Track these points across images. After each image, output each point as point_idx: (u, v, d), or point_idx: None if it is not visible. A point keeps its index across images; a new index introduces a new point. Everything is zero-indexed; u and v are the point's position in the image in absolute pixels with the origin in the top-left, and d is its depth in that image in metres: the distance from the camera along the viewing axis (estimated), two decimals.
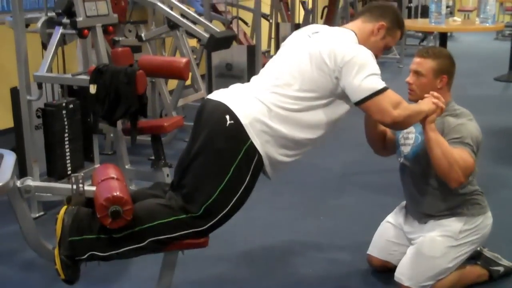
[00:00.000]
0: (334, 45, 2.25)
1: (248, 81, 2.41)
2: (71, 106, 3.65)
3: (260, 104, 2.23)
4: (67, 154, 3.72)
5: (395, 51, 9.65)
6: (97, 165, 4.06)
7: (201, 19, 4.69)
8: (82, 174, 2.30)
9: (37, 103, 3.63)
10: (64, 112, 3.64)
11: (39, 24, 3.51)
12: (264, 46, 7.91)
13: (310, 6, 7.98)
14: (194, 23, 4.60)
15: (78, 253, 2.13)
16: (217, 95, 2.31)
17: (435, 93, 2.45)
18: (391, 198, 3.07)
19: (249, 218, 3.60)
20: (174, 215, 2.19)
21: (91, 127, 3.83)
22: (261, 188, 3.88)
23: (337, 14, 7.51)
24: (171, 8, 4.59)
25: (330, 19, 7.24)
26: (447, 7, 11.59)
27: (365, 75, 2.18)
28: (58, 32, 3.46)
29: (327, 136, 2.36)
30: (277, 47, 7.72)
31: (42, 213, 3.61)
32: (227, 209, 2.21)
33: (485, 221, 2.65)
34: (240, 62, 5.55)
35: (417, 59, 2.61)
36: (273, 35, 7.83)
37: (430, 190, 2.61)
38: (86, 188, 2.30)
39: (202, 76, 6.06)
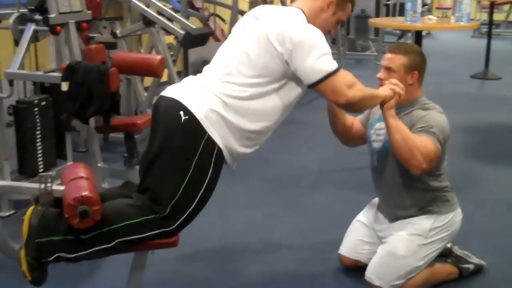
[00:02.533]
0: (281, 26, 2.18)
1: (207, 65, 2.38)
2: (43, 103, 3.61)
3: (213, 96, 2.19)
4: (39, 152, 3.67)
5: (372, 48, 9.69)
6: (69, 163, 4.03)
7: (177, 16, 4.66)
8: (50, 173, 2.28)
9: (9, 100, 3.59)
10: (36, 109, 3.59)
11: (11, 20, 3.46)
12: None
13: (288, 2, 7.95)
14: (171, 20, 4.57)
15: (45, 254, 2.10)
16: (170, 91, 2.28)
17: (393, 80, 2.46)
18: (365, 196, 3.08)
19: (222, 216, 3.60)
20: (143, 215, 2.17)
21: (64, 125, 3.79)
22: (235, 185, 3.91)
23: None
24: (147, 5, 4.55)
25: None
26: (425, 4, 11.72)
27: (316, 56, 2.14)
28: (30, 28, 3.42)
29: (281, 120, 2.33)
30: None
31: (12, 211, 3.57)
32: (193, 205, 2.19)
33: (455, 218, 2.66)
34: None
35: (388, 55, 2.62)
36: None
37: (401, 188, 2.62)
38: (54, 187, 2.29)
39: (179, 73, 6.04)
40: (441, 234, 2.62)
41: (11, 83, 3.40)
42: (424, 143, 2.41)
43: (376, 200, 2.86)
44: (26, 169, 3.65)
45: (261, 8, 2.38)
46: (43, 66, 4.14)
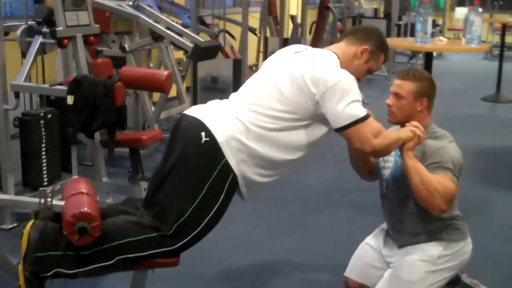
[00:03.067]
0: (316, 68, 2.20)
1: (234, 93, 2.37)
2: (49, 116, 3.59)
3: (237, 121, 2.17)
4: (44, 164, 3.65)
5: (383, 68, 9.65)
6: (75, 176, 4.00)
7: (186, 30, 4.65)
8: (50, 188, 2.24)
9: (15, 112, 3.57)
10: (41, 122, 3.58)
11: (18, 32, 3.45)
12: (251, 60, 7.89)
13: (299, 20, 7.96)
14: (180, 35, 4.55)
15: (43, 269, 2.06)
16: (194, 111, 2.26)
17: (415, 122, 2.42)
18: (372, 218, 3.03)
19: (226, 235, 3.54)
20: (144, 233, 2.13)
21: (69, 138, 3.77)
22: (240, 204, 3.83)
23: (325, 30, 7.50)
24: (156, 21, 4.54)
25: (318, 35, 7.22)
26: (437, 25, 11.70)
27: (347, 101, 2.14)
28: (37, 41, 3.41)
29: (304, 157, 2.31)
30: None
31: (15, 224, 3.53)
32: (199, 228, 2.15)
33: (465, 247, 2.59)
34: (225, 75, 5.50)
35: (397, 81, 2.57)
36: (261, 49, 7.80)
37: (410, 215, 2.56)
38: (54, 202, 2.26)
39: (188, 89, 6.02)
40: (450, 263, 2.54)
41: (17, 95, 3.39)
42: (443, 184, 2.36)
43: (385, 224, 2.79)
44: (30, 182, 3.63)
45: (297, 47, 2.39)
46: (51, 79, 4.12)
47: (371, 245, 2.77)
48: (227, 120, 2.18)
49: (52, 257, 2.06)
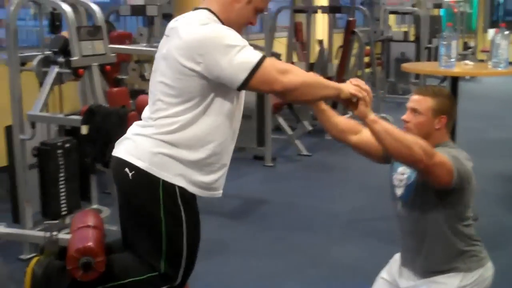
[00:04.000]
0: (183, 42, 1.95)
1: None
2: (67, 145, 3.56)
3: (146, 139, 2.03)
4: (62, 194, 3.61)
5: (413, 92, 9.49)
6: (94, 206, 3.97)
7: None
8: (55, 222, 2.20)
9: (33, 142, 3.55)
10: (59, 151, 3.55)
11: (34, 62, 3.44)
12: None
13: (326, 45, 7.89)
14: None
15: None
16: (115, 150, 2.15)
17: (355, 79, 2.20)
18: (398, 249, 2.89)
19: (244, 266, 3.47)
20: (148, 271, 2.06)
21: (88, 167, 3.73)
22: (260, 233, 3.79)
23: (351, 54, 7.40)
24: None
25: (344, 59, 7.14)
26: (469, 47, 11.51)
27: (231, 55, 1.90)
28: (53, 71, 3.39)
29: (237, 127, 2.13)
30: None
31: (33, 254, 3.49)
32: (184, 252, 2.07)
33: (485, 274, 2.45)
34: (249, 101, 5.41)
35: (415, 97, 2.45)
36: None
37: (425, 240, 2.43)
38: (60, 236, 2.21)
39: None
40: None
41: (33, 125, 3.37)
42: (422, 140, 2.20)
43: (398, 255, 2.66)
44: (48, 211, 3.58)
45: (171, 23, 2.09)
46: (73, 108, 4.11)
47: (386, 279, 2.65)
48: (139, 143, 2.05)
49: None
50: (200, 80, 1.96)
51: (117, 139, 3.10)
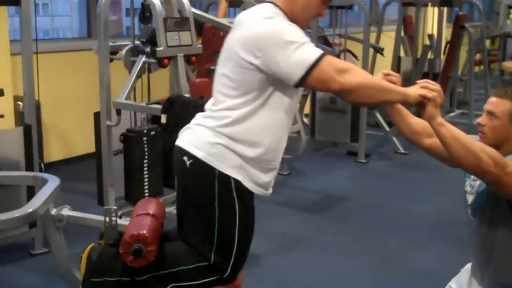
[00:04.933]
0: (244, 36, 1.95)
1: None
2: (152, 133, 3.68)
3: (206, 129, 2.04)
4: (145, 180, 3.75)
5: None
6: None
7: None
8: (114, 207, 2.27)
9: (121, 128, 3.69)
10: (144, 138, 3.68)
11: (123, 51, 3.57)
12: None
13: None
14: None
15: None
16: (178, 137, 2.18)
17: (423, 80, 2.09)
18: None
19: (315, 262, 3.44)
20: (198, 261, 2.08)
21: None
22: (338, 230, 3.74)
23: (459, 50, 7.07)
24: None
25: (452, 55, 6.82)
26: None
27: (290, 52, 1.88)
28: (140, 60, 3.50)
29: (290, 125, 2.10)
30: None
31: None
32: (235, 245, 2.06)
33: None
34: None
35: (493, 99, 2.30)
36: (393, 69, 7.54)
37: (495, 250, 2.29)
38: (119, 222, 2.28)
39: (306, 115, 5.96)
40: None
41: (118, 112, 3.50)
42: (492, 148, 2.06)
43: (469, 265, 2.53)
44: (131, 196, 3.72)
45: (240, 15, 2.10)
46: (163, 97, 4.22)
47: None
48: (198, 133, 2.06)
49: (107, 283, 2.08)
50: (259, 74, 1.95)
51: None
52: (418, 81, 2.10)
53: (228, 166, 2.02)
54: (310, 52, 1.90)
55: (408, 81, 6.87)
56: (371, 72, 7.47)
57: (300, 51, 1.89)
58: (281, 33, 1.92)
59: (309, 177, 5.11)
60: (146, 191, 3.78)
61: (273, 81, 1.97)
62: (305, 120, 6.06)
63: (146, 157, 3.71)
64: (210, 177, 2.02)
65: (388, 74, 2.07)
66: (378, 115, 6.14)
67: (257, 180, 2.06)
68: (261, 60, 1.92)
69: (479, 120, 2.29)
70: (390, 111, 2.34)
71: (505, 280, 2.30)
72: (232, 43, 2.01)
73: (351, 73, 1.91)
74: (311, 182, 4.95)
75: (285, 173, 5.08)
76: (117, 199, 3.74)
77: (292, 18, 2.01)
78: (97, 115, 3.67)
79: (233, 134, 2.01)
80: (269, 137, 2.04)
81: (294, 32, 1.93)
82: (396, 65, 7.46)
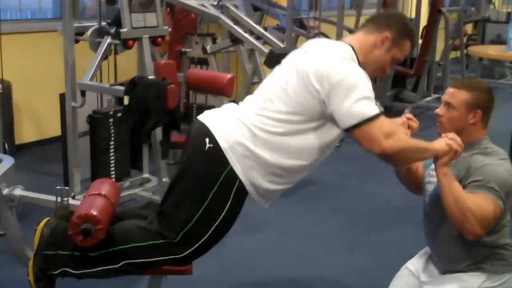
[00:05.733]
0: (322, 63, 2.02)
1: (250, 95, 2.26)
2: (119, 114, 3.69)
3: (243, 126, 2.07)
4: (112, 161, 3.76)
5: (509, 76, 9.01)
6: (145, 175, 4.09)
7: (266, 34, 4.56)
8: (66, 187, 2.28)
9: (88, 110, 3.69)
10: (111, 120, 3.69)
11: (88, 32, 3.56)
12: None
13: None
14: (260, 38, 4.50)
15: (51, 267, 2.10)
16: (205, 116, 2.18)
17: (452, 134, 2.19)
18: None
19: (279, 245, 3.46)
20: (151, 239, 2.10)
21: (140, 137, 3.84)
22: (306, 213, 3.76)
23: (436, 35, 7.08)
24: (237, 23, 4.51)
25: (428, 40, 6.84)
26: None
27: (354, 99, 1.96)
28: (105, 41, 3.50)
29: (320, 160, 2.15)
30: None
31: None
32: (205, 237, 2.08)
33: None
34: None
35: (450, 90, 2.34)
36: None
37: (452, 237, 2.33)
38: (70, 201, 2.29)
39: None
40: None
41: (83, 93, 3.50)
42: (480, 206, 2.13)
43: (427, 248, 2.57)
44: (98, 178, 3.72)
45: (312, 42, 2.24)
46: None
47: (409, 269, 2.57)
48: (232, 125, 2.09)
49: (60, 257, 2.09)
50: (318, 102, 2.02)
51: (155, 110, 3.20)
52: (447, 134, 2.20)
53: (242, 168, 2.06)
54: (370, 108, 1.98)
55: None
56: None
57: (363, 103, 1.97)
58: (355, 79, 2.01)
59: None
60: (113, 172, 3.80)
61: (328, 116, 2.03)
62: None
63: (112, 138, 3.73)
64: (220, 168, 2.05)
65: (410, 119, 2.25)
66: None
67: (258, 187, 2.09)
68: (327, 93, 1.99)
69: (437, 110, 2.34)
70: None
71: (458, 267, 2.34)
72: (305, 67, 2.05)
73: (395, 139, 2.01)
74: None
75: None
76: (84, 180, 3.74)
77: (362, 67, 2.09)
78: (62, 97, 3.67)
79: (266, 140, 2.06)
80: (296, 161, 2.09)
81: (366, 84, 2.03)
82: None
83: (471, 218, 2.10)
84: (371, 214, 3.99)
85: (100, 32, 3.59)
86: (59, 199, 2.24)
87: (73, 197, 3.43)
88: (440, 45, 7.65)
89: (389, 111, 6.30)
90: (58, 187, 2.25)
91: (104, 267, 2.10)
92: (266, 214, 3.88)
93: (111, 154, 3.74)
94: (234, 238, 3.45)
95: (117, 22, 3.47)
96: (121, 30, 3.35)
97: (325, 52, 2.10)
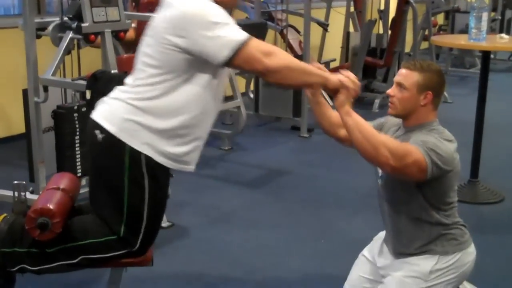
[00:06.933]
0: (169, 13, 1.97)
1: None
2: (83, 109, 3.67)
3: (122, 103, 2.06)
4: (77, 156, 3.75)
5: (478, 66, 9.10)
6: None
7: None
8: (23, 182, 2.27)
9: (52, 105, 3.67)
10: (75, 115, 3.67)
11: (50, 28, 3.54)
12: (333, 55, 7.71)
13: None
14: None
15: (9, 264, 2.10)
16: (94, 110, 2.18)
17: (347, 71, 2.20)
18: None
19: (244, 235, 3.49)
20: (106, 234, 2.11)
21: None
22: (272, 203, 3.79)
23: (405, 26, 7.13)
24: None
25: (397, 31, 6.89)
26: None
27: (216, 31, 1.93)
28: (67, 36, 3.48)
29: (217, 101, 2.14)
30: (346, 57, 7.48)
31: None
32: (144, 221, 2.09)
33: (464, 258, 2.35)
34: None
35: (402, 71, 2.36)
36: (343, 45, 7.60)
37: (403, 220, 2.36)
38: (28, 196, 2.29)
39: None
40: (445, 277, 2.32)
41: (45, 88, 3.48)
42: (393, 141, 2.14)
43: (382, 233, 2.60)
44: None
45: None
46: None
47: (366, 256, 2.61)
48: (113, 107, 2.09)
49: (17, 254, 2.09)
50: (182, 55, 1.98)
51: None
52: (342, 70, 2.20)
53: (140, 142, 2.04)
54: (237, 33, 1.97)
55: (356, 56, 6.97)
56: (321, 48, 7.54)
57: (226, 32, 1.95)
58: (207, 13, 1.96)
59: (250, 152, 5.16)
60: (78, 167, 3.78)
61: (195, 61, 2.00)
62: (251, 95, 6.10)
63: (77, 133, 3.71)
64: (121, 152, 2.04)
65: (347, 76, 2.18)
66: (322, 91, 6.18)
67: (168, 154, 2.08)
68: (186, 40, 1.95)
69: (389, 91, 2.36)
70: (312, 103, 2.44)
71: (410, 249, 2.38)
72: (157, 22, 2.02)
73: (276, 56, 2.00)
74: (252, 157, 5.00)
75: (226, 148, 5.12)
76: (49, 176, 3.71)
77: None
78: (25, 92, 3.65)
79: (147, 107, 2.03)
80: (186, 114, 2.06)
81: (220, 13, 1.98)
82: (346, 41, 7.53)
83: (383, 149, 2.09)
84: (336, 203, 4.03)
85: (62, 27, 3.56)
86: (16, 194, 2.24)
87: (32, 192, 3.41)
88: (410, 36, 7.71)
89: (360, 101, 6.36)
90: (15, 182, 2.24)
91: (62, 262, 2.11)
92: (233, 205, 3.92)
93: (77, 149, 3.72)
94: (201, 231, 3.51)
95: (78, 16, 3.45)
96: (83, 25, 3.34)
97: (171, 2, 2.02)
